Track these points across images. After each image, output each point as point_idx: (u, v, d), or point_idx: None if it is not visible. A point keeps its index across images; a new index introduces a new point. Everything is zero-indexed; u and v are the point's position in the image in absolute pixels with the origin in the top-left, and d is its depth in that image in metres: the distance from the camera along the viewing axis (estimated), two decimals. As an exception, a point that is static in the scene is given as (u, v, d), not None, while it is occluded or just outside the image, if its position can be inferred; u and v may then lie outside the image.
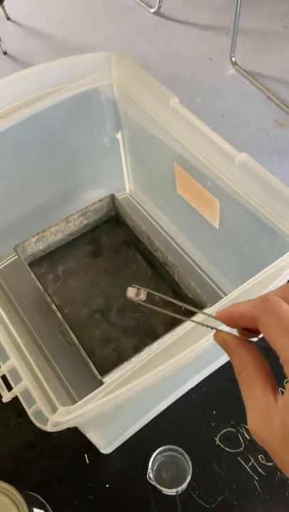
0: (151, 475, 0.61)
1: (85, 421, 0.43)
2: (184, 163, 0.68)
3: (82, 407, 0.42)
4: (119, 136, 0.81)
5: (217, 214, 0.67)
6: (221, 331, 0.31)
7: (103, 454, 0.68)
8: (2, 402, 0.47)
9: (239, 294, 0.48)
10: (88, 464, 0.68)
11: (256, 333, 0.30)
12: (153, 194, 0.86)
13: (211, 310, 0.48)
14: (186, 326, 0.47)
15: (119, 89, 0.74)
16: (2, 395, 0.45)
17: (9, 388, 0.46)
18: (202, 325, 0.34)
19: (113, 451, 0.68)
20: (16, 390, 0.45)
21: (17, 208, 0.79)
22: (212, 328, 0.31)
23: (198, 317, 0.35)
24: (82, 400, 0.44)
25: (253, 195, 0.57)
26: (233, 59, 2.29)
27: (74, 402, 0.69)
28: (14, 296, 0.81)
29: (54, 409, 0.44)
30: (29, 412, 0.43)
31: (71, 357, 0.75)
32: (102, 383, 0.66)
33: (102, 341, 0.74)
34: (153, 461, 0.61)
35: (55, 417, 0.43)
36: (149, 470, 0.61)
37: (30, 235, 0.80)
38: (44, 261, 0.81)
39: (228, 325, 0.30)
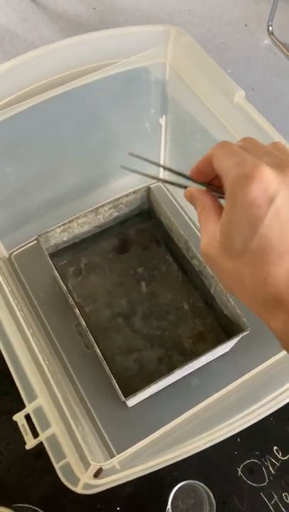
0: (170, 510, 0.56)
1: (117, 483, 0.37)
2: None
3: (118, 473, 0.36)
4: (162, 121, 0.72)
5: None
6: (190, 187, 0.34)
7: (116, 474, 0.63)
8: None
9: None
10: (99, 482, 0.63)
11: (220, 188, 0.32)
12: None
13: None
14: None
15: (172, 70, 0.64)
16: (26, 440, 0.39)
17: (33, 431, 0.40)
18: (175, 184, 0.38)
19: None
20: (43, 437, 0.38)
21: (44, 191, 0.71)
22: (184, 187, 0.35)
23: (172, 177, 0.37)
24: (116, 458, 0.38)
25: None
26: (270, 28, 2.14)
27: (90, 414, 0.64)
28: (31, 287, 0.74)
29: (85, 464, 0.38)
30: (57, 467, 0.37)
31: (89, 361, 0.69)
32: (125, 403, 0.61)
33: (123, 349, 0.68)
34: (172, 496, 0.56)
35: (86, 477, 0.37)
36: (168, 506, 0.56)
37: (52, 220, 0.72)
38: (66, 252, 0.74)
39: (197, 178, 0.33)
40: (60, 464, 0.37)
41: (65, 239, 0.71)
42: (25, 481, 0.63)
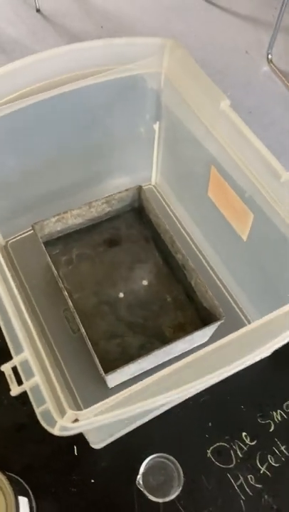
0: (140, 481, 0.60)
1: (91, 429, 0.42)
2: (222, 168, 0.65)
3: (90, 417, 0.41)
4: (156, 127, 0.78)
5: (248, 227, 0.65)
6: None
7: (93, 449, 0.67)
8: None
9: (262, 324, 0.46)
10: (76, 455, 0.67)
11: None
12: (180, 191, 0.83)
13: (232, 337, 0.46)
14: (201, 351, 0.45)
15: (166, 79, 0.70)
16: (11, 388, 0.43)
17: (19, 381, 0.44)
18: None
19: (103, 448, 0.67)
20: (27, 386, 0.43)
21: (42, 185, 0.76)
22: None
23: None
24: (91, 408, 0.42)
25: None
26: (269, 56, 2.24)
27: (72, 394, 0.68)
28: (23, 273, 0.79)
29: (62, 412, 0.43)
30: (37, 411, 0.42)
31: (74, 345, 0.74)
32: (104, 380, 0.65)
33: (107, 334, 0.73)
34: (144, 469, 0.60)
35: (64, 421, 0.41)
36: (139, 476, 0.60)
37: (47, 213, 0.78)
38: (59, 242, 0.79)
39: None
40: (41, 408, 0.42)
41: (58, 229, 0.76)
42: (5, 452, 0.67)
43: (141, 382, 0.43)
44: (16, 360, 0.44)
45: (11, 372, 0.44)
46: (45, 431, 0.68)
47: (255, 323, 0.47)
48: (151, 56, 0.68)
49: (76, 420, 0.43)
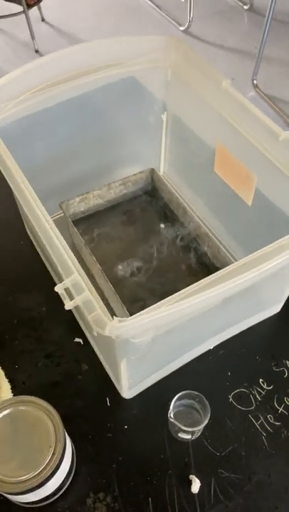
0: (172, 414, 0.66)
1: (137, 332, 0.49)
2: (227, 140, 0.75)
3: (136, 318, 0.48)
4: (164, 117, 0.88)
5: (252, 191, 0.74)
6: None
7: (124, 399, 0.73)
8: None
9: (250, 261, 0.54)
10: (109, 406, 0.72)
11: None
12: (187, 175, 0.93)
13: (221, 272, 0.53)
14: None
15: (173, 71, 0.81)
16: (65, 303, 0.50)
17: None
18: None
19: (133, 397, 0.73)
20: (78, 300, 0.50)
21: (64, 171, 0.85)
22: None
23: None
24: (136, 314, 0.49)
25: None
26: (254, 82, 2.40)
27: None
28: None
29: (109, 318, 0.50)
30: (90, 317, 0.49)
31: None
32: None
33: (130, 298, 0.80)
34: (174, 404, 0.66)
35: (113, 323, 0.48)
36: (170, 410, 0.66)
37: (71, 197, 0.86)
38: (81, 223, 0.87)
39: None
40: (92, 314, 0.49)
41: (82, 209, 0.85)
42: (44, 405, 0.73)
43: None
44: (67, 282, 0.51)
45: (63, 291, 0.51)
46: (80, 386, 0.74)
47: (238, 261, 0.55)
48: (159, 51, 0.79)
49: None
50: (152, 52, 0.79)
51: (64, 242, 0.55)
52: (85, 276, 0.52)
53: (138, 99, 0.85)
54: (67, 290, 0.52)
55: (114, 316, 0.49)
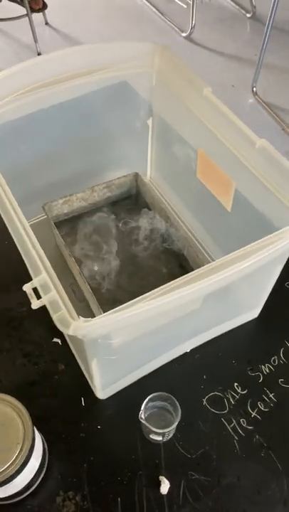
0: (142, 415, 0.66)
1: (103, 332, 0.50)
2: (208, 148, 0.76)
3: (101, 318, 0.49)
4: (149, 122, 0.89)
5: (231, 196, 0.75)
6: None
7: (99, 399, 0.74)
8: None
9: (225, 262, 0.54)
10: (84, 406, 0.73)
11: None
12: (172, 180, 0.94)
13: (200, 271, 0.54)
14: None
15: (157, 77, 0.82)
16: (32, 302, 0.51)
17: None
18: None
19: (108, 398, 0.74)
20: (45, 299, 0.51)
21: (50, 173, 0.86)
22: None
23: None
24: (102, 314, 0.50)
25: (269, 178, 0.65)
26: (254, 89, 2.41)
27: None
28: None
29: (74, 318, 0.50)
30: (55, 316, 0.50)
31: (81, 314, 0.81)
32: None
33: (109, 300, 0.81)
34: (146, 405, 0.67)
35: (78, 323, 0.49)
36: (141, 411, 0.66)
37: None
38: (65, 225, 0.88)
39: None
40: (57, 314, 0.50)
41: (65, 211, 0.86)
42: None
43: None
44: (35, 282, 0.52)
45: (31, 290, 0.52)
46: (56, 386, 0.75)
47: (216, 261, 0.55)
48: (144, 57, 0.80)
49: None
50: (139, 57, 0.81)
51: (35, 242, 0.56)
52: (54, 276, 0.53)
53: (125, 104, 0.86)
54: (35, 290, 0.52)
55: (80, 316, 0.50)
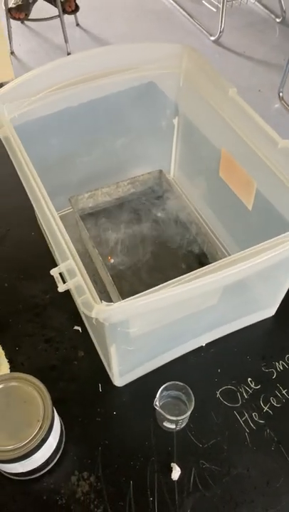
0: (157, 403, 0.69)
1: (124, 317, 0.52)
2: (231, 147, 0.78)
3: (122, 303, 0.51)
4: (175, 121, 0.92)
5: (252, 196, 0.77)
6: None
7: (115, 387, 0.76)
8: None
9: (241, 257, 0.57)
10: (101, 392, 0.76)
11: None
12: (195, 178, 0.96)
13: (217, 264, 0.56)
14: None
15: (184, 78, 0.84)
16: (58, 285, 0.54)
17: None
18: None
19: (124, 385, 0.76)
20: (71, 284, 0.54)
21: (77, 168, 0.89)
22: None
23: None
24: (124, 299, 0.53)
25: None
26: (280, 94, 2.42)
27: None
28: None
29: (97, 302, 0.53)
30: (79, 300, 0.53)
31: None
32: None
33: (130, 293, 0.83)
34: (160, 393, 0.69)
35: (100, 306, 0.52)
36: (156, 399, 0.69)
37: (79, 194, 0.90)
38: (89, 219, 0.91)
39: None
40: (82, 298, 0.52)
41: (90, 205, 0.89)
42: (40, 386, 0.77)
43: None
44: (62, 267, 0.55)
45: (58, 275, 0.55)
46: (74, 371, 0.78)
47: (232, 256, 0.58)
48: (172, 59, 0.82)
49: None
50: (167, 58, 0.83)
51: (64, 230, 0.59)
52: (80, 263, 0.56)
53: (152, 103, 0.89)
54: (62, 275, 0.55)
55: (102, 301, 0.53)
